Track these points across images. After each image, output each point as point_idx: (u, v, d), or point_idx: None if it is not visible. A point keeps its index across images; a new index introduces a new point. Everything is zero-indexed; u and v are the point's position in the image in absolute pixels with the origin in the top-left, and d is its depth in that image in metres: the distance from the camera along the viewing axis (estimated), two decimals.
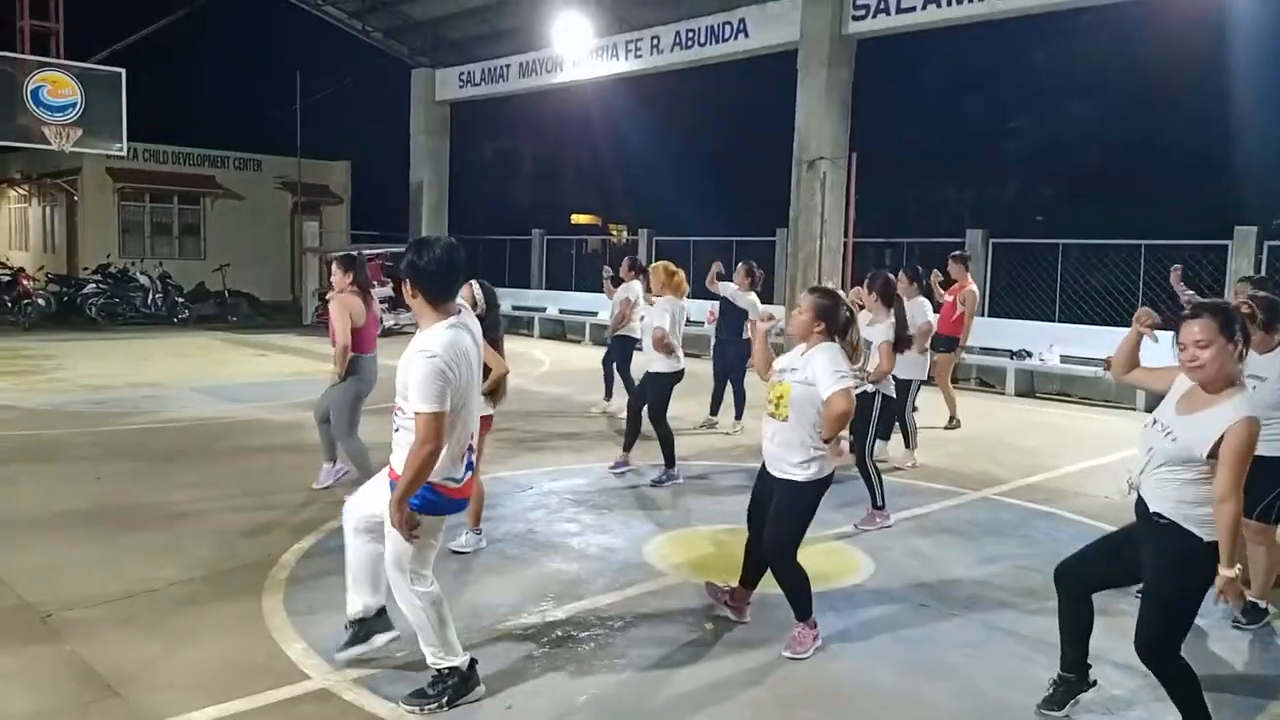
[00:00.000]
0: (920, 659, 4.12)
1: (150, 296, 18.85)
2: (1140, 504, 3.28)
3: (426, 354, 3.33)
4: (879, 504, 6.07)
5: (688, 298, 7.71)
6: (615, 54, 16.00)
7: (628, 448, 7.33)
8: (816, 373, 4.00)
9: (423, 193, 20.05)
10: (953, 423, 9.39)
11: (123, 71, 15.59)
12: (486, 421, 5.21)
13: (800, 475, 4.06)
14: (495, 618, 4.46)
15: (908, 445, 7.77)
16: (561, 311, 18.95)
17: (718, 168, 23.80)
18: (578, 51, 16.38)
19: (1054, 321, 12.22)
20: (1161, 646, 3.20)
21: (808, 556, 5.45)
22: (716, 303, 9.51)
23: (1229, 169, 19.15)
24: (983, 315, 12.99)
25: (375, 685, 3.73)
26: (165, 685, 3.70)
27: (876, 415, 6.23)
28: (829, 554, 5.48)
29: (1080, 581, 3.54)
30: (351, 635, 3.88)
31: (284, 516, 5.94)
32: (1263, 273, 10.50)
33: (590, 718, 3.56)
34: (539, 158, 31.21)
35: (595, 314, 16.99)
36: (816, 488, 4.10)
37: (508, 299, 18.50)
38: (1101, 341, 11.48)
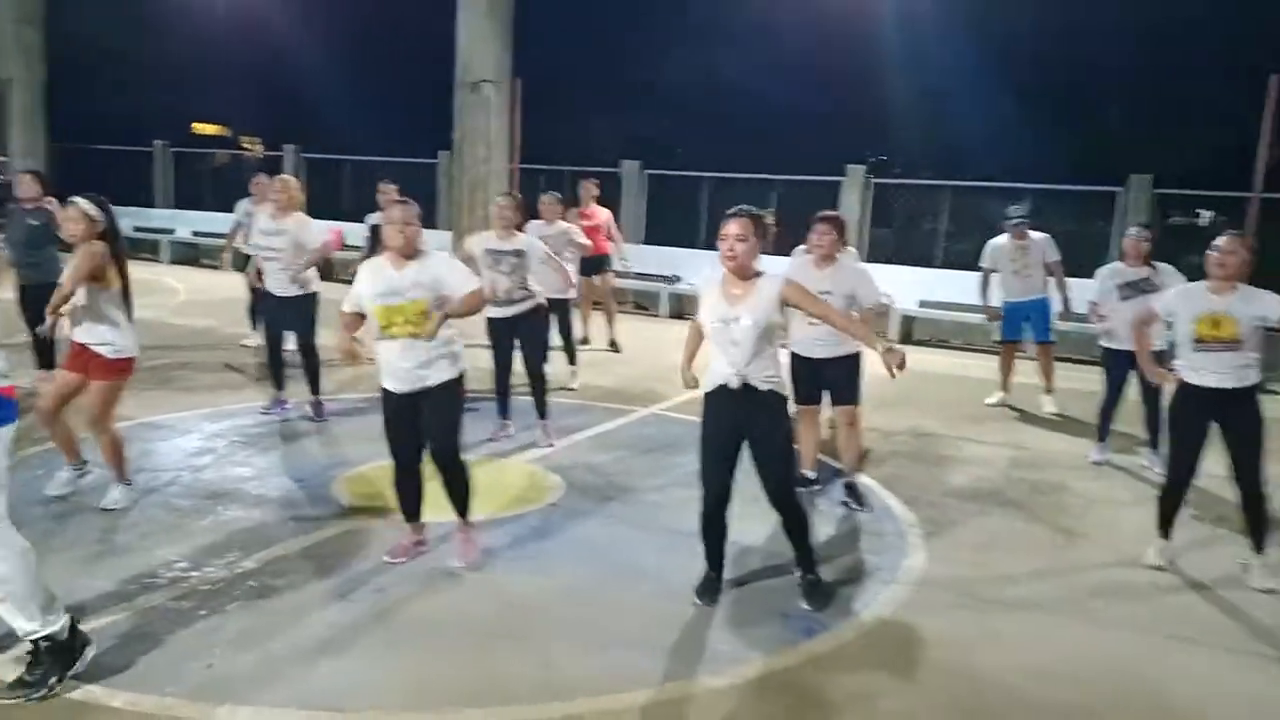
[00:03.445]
0: (618, 568, 4.42)
1: None
2: (742, 391, 3.84)
3: None
4: (506, 416, 6.54)
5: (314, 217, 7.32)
6: None
7: (278, 385, 6.87)
8: (444, 276, 4.16)
9: (11, 92, 16.97)
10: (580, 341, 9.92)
11: None
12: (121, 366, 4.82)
13: (453, 372, 4.24)
14: (176, 575, 4.11)
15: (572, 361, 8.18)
16: (195, 234, 17.18)
17: (374, 83, 22.50)
18: None
19: (699, 249, 13.19)
20: (792, 484, 4.03)
21: (508, 481, 5.60)
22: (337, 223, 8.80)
23: (847, 115, 21.72)
24: (639, 242, 13.78)
25: None
26: None
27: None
28: (522, 476, 5.65)
29: (723, 514, 4.02)
30: (54, 661, 3.19)
31: None
32: (870, 204, 12.18)
33: (301, 667, 3.43)
34: (160, 58, 27.44)
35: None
36: (463, 378, 4.30)
37: (126, 218, 16.39)
38: None
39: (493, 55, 11.77)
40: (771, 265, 4.02)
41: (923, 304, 11.39)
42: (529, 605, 4.00)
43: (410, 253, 4.18)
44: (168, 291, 12.90)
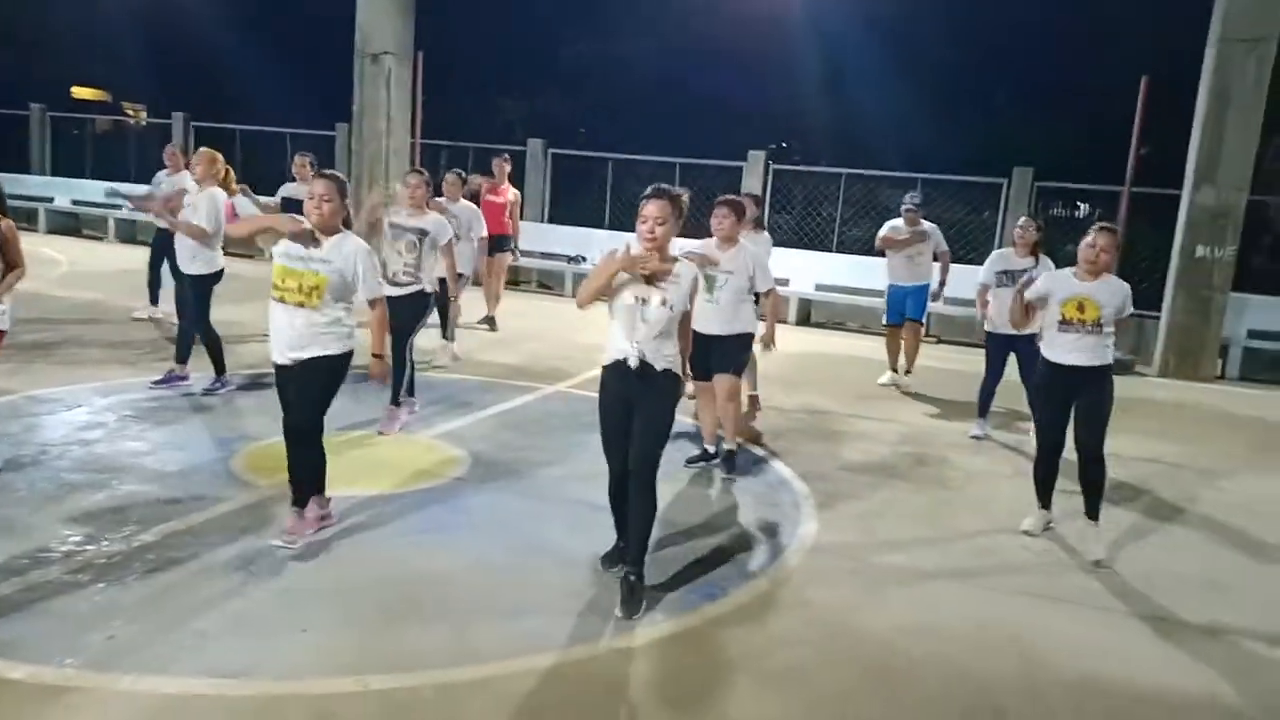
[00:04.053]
0: (524, 540, 4.51)
1: None
2: (639, 366, 3.85)
3: None
4: (411, 394, 6.23)
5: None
6: None
7: (181, 359, 6.75)
8: (352, 268, 4.16)
9: None
10: (484, 321, 9.91)
11: None
12: None
13: (333, 349, 4.17)
14: (70, 549, 4.02)
15: (448, 337, 8.17)
16: (75, 203, 16.41)
17: (269, 49, 21.62)
18: None
19: (604, 229, 13.29)
20: (657, 461, 3.88)
21: (413, 456, 5.62)
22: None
23: (751, 101, 22.01)
24: (542, 221, 13.80)
25: None
26: None
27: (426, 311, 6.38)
28: (429, 451, 5.68)
29: (626, 485, 4.01)
30: None
31: None
32: (768, 188, 12.48)
33: (205, 638, 3.42)
34: (40, 17, 25.85)
35: (120, 207, 14.96)
36: (350, 356, 4.26)
37: None
38: None
39: (393, 27, 11.56)
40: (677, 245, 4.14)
41: (819, 287, 11.76)
42: (436, 577, 4.06)
43: (327, 229, 4.15)
44: (48, 262, 12.30)
